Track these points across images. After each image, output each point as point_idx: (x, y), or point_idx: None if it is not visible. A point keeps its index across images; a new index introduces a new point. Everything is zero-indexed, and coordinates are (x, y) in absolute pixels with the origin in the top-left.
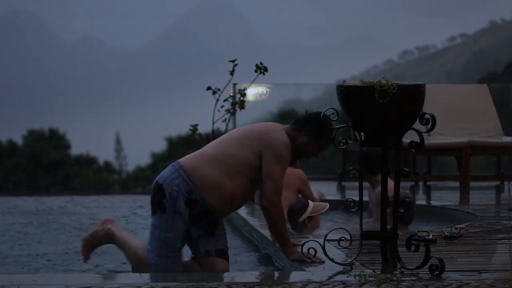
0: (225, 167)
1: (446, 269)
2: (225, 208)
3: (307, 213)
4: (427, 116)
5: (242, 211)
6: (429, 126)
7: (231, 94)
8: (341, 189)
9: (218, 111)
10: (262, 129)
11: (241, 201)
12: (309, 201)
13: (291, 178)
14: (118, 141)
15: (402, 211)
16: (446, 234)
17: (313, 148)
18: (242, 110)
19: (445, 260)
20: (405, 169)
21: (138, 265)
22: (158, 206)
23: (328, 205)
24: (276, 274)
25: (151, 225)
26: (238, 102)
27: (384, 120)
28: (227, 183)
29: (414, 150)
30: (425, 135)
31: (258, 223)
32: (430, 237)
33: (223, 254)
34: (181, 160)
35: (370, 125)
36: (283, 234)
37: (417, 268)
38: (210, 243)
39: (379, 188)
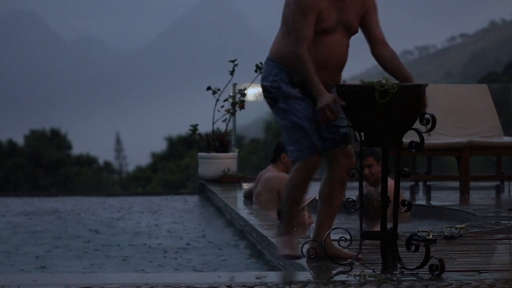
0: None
1: (446, 269)
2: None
3: None
4: (427, 116)
5: (243, 212)
6: (429, 126)
7: (231, 94)
8: None
9: (218, 111)
10: None
11: (327, 58)
12: None
13: (273, 181)
14: (118, 141)
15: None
16: (446, 234)
17: None
18: (242, 110)
19: (445, 260)
20: (405, 169)
21: None
22: (271, 102)
23: (313, 197)
24: (276, 274)
25: (279, 123)
26: (238, 102)
27: (384, 120)
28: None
29: (414, 150)
30: (425, 135)
31: (258, 223)
32: (430, 237)
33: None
34: (270, 53)
35: (370, 125)
36: (309, 77)
37: (417, 268)
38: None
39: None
